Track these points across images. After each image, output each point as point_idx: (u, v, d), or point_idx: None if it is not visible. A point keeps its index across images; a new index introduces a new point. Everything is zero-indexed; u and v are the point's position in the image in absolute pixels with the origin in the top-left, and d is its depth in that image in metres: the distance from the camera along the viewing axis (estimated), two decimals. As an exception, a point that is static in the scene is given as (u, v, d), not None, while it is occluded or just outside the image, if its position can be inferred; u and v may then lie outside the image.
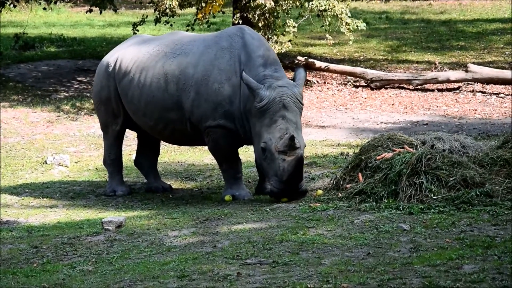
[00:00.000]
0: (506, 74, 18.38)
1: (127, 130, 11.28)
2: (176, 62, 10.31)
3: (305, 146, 9.64)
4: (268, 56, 9.94)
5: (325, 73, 19.75)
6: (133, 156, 11.85)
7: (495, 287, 5.89)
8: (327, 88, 18.99)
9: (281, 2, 18.42)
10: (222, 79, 9.96)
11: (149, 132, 10.78)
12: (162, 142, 11.52)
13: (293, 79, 9.85)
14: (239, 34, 10.15)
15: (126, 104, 10.73)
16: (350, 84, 19.11)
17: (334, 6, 17.92)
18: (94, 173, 12.49)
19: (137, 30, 19.20)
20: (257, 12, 18.16)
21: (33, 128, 16.00)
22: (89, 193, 11.27)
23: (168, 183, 11.37)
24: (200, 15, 18.42)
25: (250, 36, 10.11)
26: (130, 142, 13.91)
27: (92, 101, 17.65)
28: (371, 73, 18.92)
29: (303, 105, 9.72)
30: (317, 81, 19.31)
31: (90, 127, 16.05)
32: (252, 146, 10.40)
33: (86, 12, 20.36)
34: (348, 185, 9.13)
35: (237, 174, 10.19)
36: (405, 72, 19.59)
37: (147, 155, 11.25)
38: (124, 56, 10.81)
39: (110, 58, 10.97)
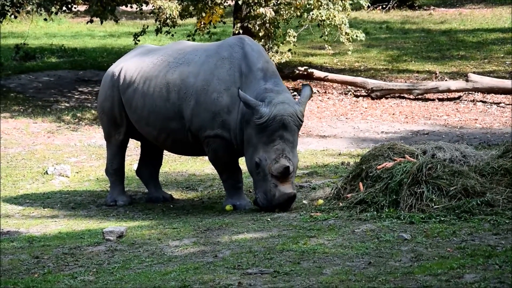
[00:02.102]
0: (506, 83, 18.39)
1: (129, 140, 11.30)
2: (178, 71, 10.34)
3: (297, 161, 9.74)
4: (267, 69, 9.95)
5: (325, 83, 19.78)
6: (134, 166, 11.85)
7: (497, 296, 5.90)
8: (328, 98, 19.01)
9: (281, 12, 18.44)
10: (221, 89, 9.98)
11: (153, 142, 10.81)
12: (164, 152, 11.53)
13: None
14: (239, 44, 10.17)
15: (130, 114, 10.75)
16: (350, 94, 19.14)
17: (335, 16, 17.94)
18: (95, 183, 12.50)
19: (138, 41, 19.23)
20: (258, 22, 18.18)
21: (34, 138, 16.01)
22: (90, 203, 11.27)
23: (169, 193, 11.37)
24: (199, 24, 18.46)
25: (250, 47, 10.13)
26: (131, 152, 13.91)
27: (93, 112, 17.69)
28: (372, 82, 18.95)
29: (303, 122, 9.75)
30: (318, 91, 19.33)
31: (91, 137, 16.06)
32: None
33: (87, 22, 20.40)
34: (349, 195, 9.13)
35: (237, 183, 10.20)
36: (405, 82, 19.61)
37: (149, 165, 11.26)
38: (129, 67, 10.85)
39: (115, 68, 11.02)
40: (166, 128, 10.37)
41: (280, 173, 9.39)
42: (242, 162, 10.60)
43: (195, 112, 10.08)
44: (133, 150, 13.97)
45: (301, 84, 10.12)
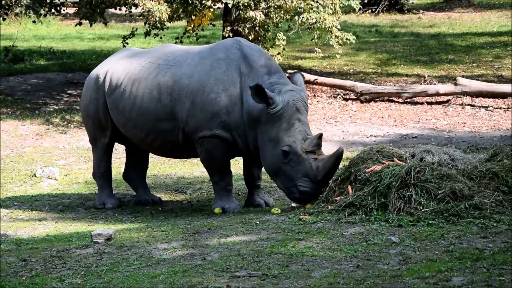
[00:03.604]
0: (495, 87, 18.46)
1: (117, 143, 11.27)
2: (170, 73, 10.33)
3: None
4: (270, 65, 10.04)
5: (315, 86, 19.80)
6: (123, 169, 11.83)
7: (484, 299, 5.91)
8: (317, 101, 19.03)
9: (271, 15, 18.45)
10: (218, 89, 9.99)
11: (139, 144, 10.77)
12: (151, 155, 11.50)
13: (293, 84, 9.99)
14: (236, 46, 10.20)
15: (116, 116, 10.72)
16: (340, 97, 19.16)
17: (325, 19, 17.95)
18: (84, 186, 12.47)
19: (127, 43, 19.21)
20: (248, 25, 18.18)
21: (22, 141, 15.97)
22: (78, 206, 11.24)
23: (158, 195, 11.35)
24: (189, 27, 18.44)
25: (248, 47, 10.18)
26: (120, 155, 13.89)
27: (81, 114, 17.66)
28: (361, 86, 18.98)
29: (308, 107, 9.89)
30: (307, 94, 19.33)
31: (80, 140, 16.02)
32: (242, 158, 10.42)
33: (76, 25, 20.36)
34: (338, 198, 9.13)
35: (227, 186, 10.20)
36: (394, 85, 19.65)
37: (136, 168, 11.24)
38: (115, 69, 10.81)
39: (100, 71, 10.98)
40: (155, 129, 10.35)
41: (316, 145, 9.48)
42: (232, 165, 10.59)
43: (191, 113, 10.07)
44: (122, 153, 13.95)
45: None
